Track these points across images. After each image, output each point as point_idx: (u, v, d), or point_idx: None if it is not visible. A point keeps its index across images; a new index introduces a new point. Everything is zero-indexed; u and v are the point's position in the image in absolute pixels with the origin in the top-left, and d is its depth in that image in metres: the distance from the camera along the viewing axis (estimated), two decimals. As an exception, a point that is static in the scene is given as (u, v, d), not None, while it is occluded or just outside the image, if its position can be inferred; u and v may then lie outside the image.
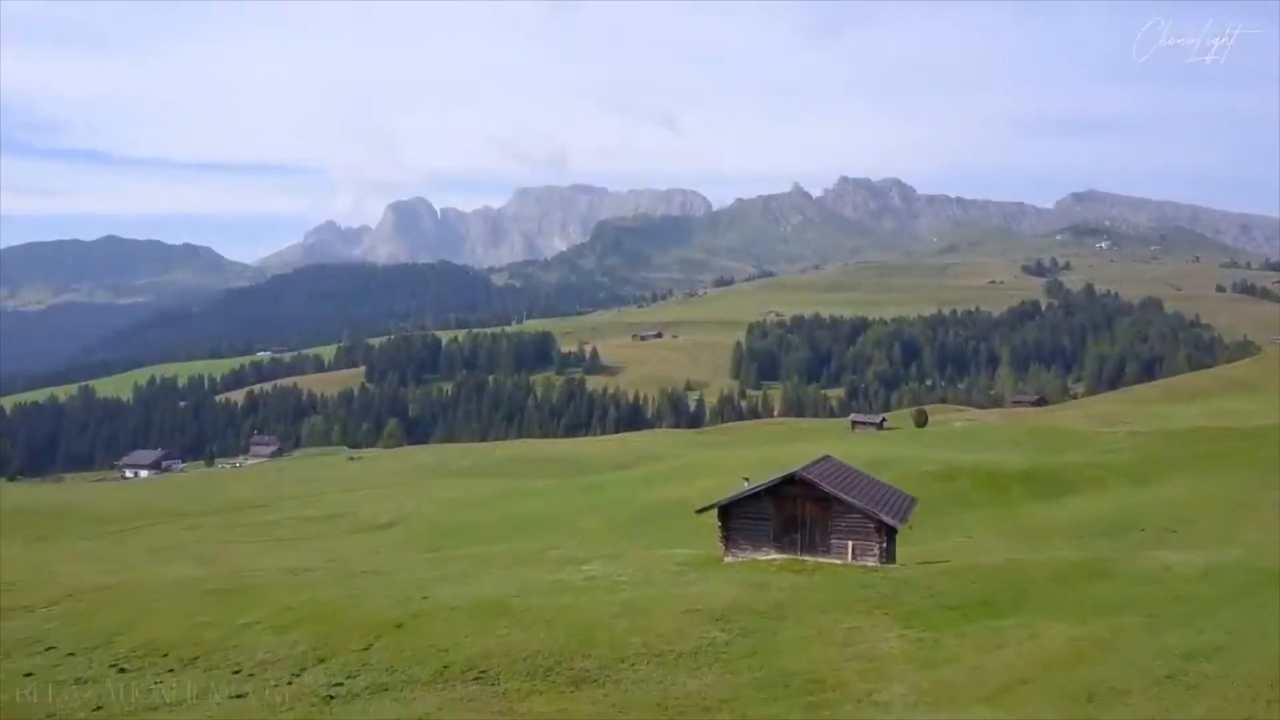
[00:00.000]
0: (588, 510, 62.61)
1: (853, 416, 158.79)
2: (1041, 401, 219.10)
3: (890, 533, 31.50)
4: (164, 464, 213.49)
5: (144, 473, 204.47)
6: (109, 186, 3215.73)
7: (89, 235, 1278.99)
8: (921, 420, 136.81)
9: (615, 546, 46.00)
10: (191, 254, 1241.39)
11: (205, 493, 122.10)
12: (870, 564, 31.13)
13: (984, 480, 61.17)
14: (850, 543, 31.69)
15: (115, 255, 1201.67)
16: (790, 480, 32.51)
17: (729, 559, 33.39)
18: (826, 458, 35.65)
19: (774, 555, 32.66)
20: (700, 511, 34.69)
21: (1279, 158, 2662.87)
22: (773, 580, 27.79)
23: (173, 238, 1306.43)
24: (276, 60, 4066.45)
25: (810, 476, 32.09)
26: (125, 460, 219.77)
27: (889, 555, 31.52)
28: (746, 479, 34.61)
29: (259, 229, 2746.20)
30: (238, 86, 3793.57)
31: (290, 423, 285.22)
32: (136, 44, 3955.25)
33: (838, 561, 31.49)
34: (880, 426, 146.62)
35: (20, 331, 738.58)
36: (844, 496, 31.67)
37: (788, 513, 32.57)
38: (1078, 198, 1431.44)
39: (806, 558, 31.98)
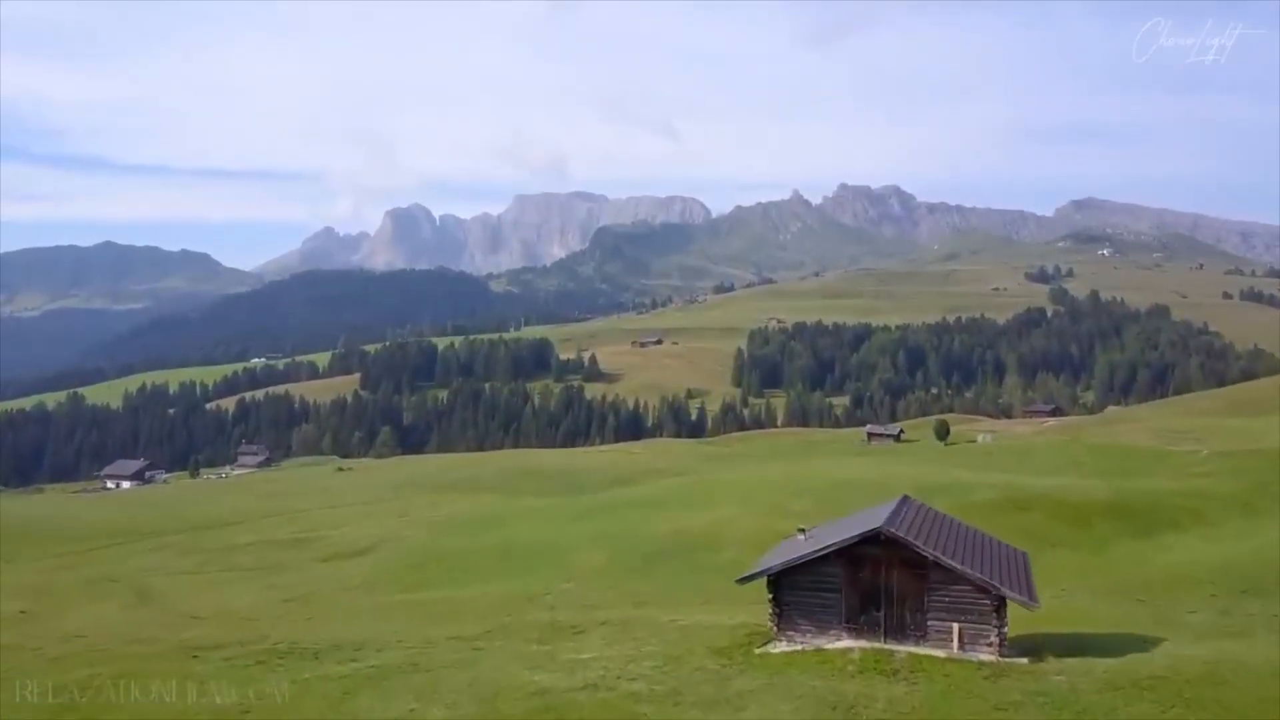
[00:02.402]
0: (587, 542, 53.98)
1: (868, 428, 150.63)
2: (1057, 411, 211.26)
3: (1003, 606, 23.42)
4: (147, 474, 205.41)
5: (126, 484, 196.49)
6: (107, 192, 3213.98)
7: (87, 241, 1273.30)
8: (943, 432, 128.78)
9: (621, 601, 37.85)
10: (189, 260, 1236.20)
11: (180, 508, 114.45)
12: (986, 657, 22.83)
13: (1061, 512, 51.84)
14: (956, 625, 23.39)
15: (113, 261, 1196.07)
16: (874, 538, 23.86)
17: (782, 645, 25.02)
18: (906, 499, 26.88)
19: (848, 642, 24.12)
20: (744, 581, 26.03)
21: (1278, 165, 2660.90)
22: (859, 694, 19.62)
23: (171, 244, 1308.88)
24: (275, 66, 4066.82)
25: (899, 533, 23.62)
26: (107, 471, 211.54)
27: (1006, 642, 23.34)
28: (802, 530, 26.20)
29: (257, 235, 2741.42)
30: (236, 92, 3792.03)
31: (281, 431, 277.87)
32: (135, 50, 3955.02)
33: (939, 653, 23.24)
34: (898, 438, 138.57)
35: (17, 337, 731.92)
36: (948, 561, 23.35)
37: (867, 583, 24.18)
38: (1078, 205, 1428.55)
39: (894, 646, 23.72)
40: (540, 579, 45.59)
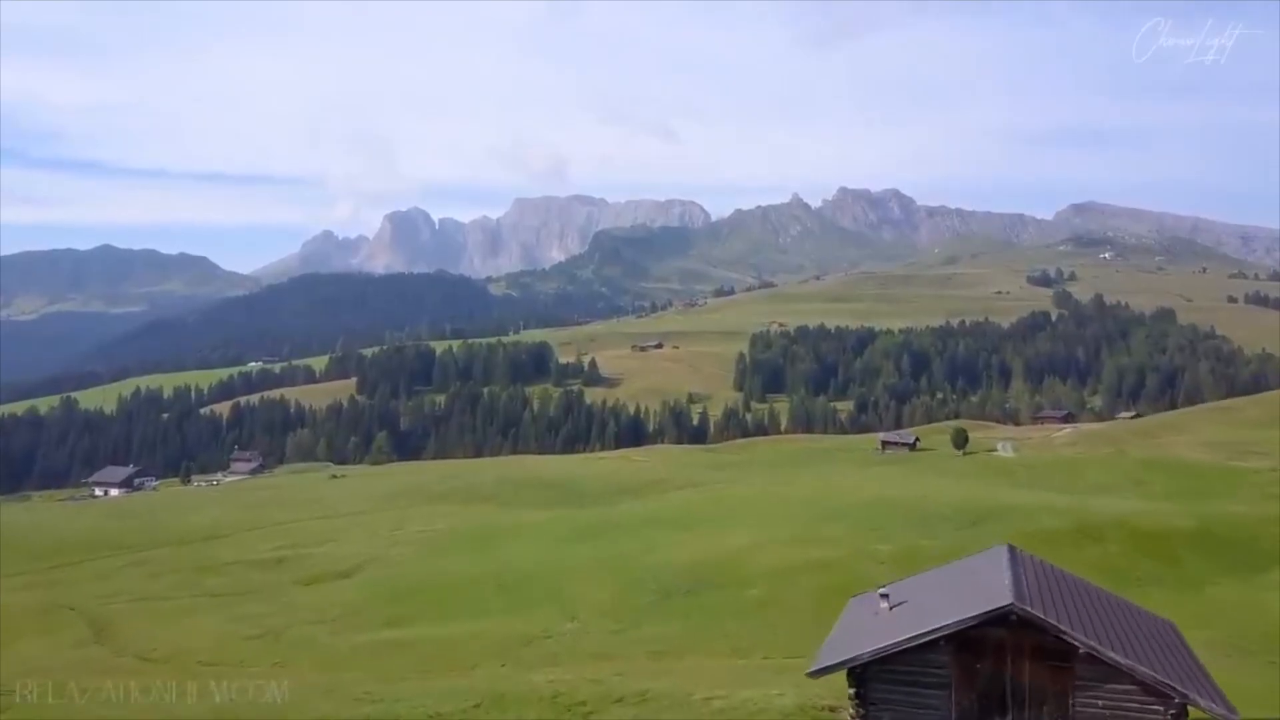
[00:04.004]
0: (592, 570, 48.41)
1: (882, 436, 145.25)
2: (1070, 417, 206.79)
3: (1183, 716, 17.58)
4: (136, 481, 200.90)
5: (114, 491, 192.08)
6: (105, 196, 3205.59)
7: (84, 244, 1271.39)
8: (961, 441, 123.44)
9: (634, 650, 33.09)
10: (187, 263, 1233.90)
11: (163, 518, 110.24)
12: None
13: (1141, 544, 45.03)
14: None
15: (110, 264, 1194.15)
16: (1001, 618, 17.87)
17: None
18: (1014, 552, 20.66)
19: (960, 759, 18.41)
20: (818, 674, 19.54)
21: (1277, 169, 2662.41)
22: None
23: (169, 247, 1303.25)
24: (274, 69, 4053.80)
25: (1036, 611, 17.69)
26: (96, 477, 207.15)
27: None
28: (885, 595, 21.27)
29: (256, 239, 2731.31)
30: (234, 96, 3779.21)
31: (276, 436, 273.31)
32: (134, 53, 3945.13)
33: None
34: (913, 447, 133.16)
35: (14, 341, 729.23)
36: (1109, 654, 17.42)
37: (987, 678, 18.31)
38: (1077, 209, 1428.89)
39: (1028, 769, 17.82)
40: (540, 616, 40.42)
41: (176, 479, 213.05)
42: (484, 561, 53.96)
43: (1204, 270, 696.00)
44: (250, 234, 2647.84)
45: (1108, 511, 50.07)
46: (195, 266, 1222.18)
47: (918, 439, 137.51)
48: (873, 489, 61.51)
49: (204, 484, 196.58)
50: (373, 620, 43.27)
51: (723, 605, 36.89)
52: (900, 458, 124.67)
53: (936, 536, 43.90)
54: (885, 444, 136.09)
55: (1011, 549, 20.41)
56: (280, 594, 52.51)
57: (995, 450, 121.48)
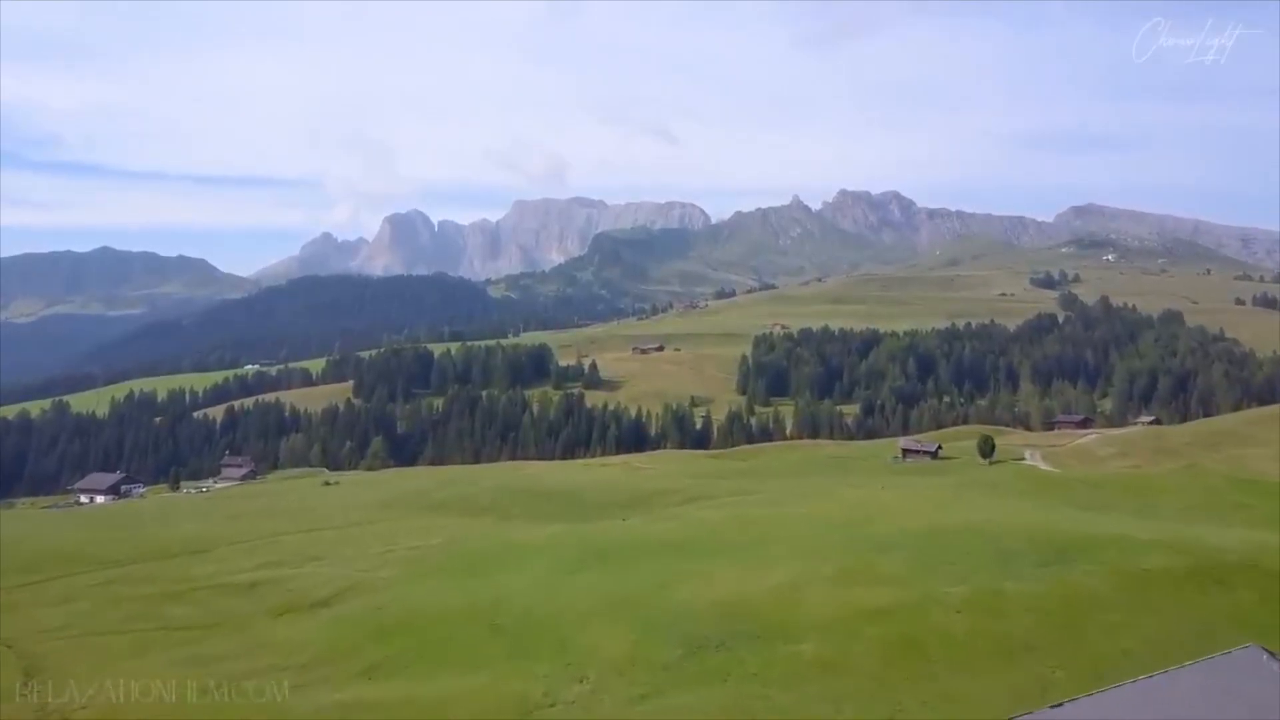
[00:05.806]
0: (599, 609, 41.68)
1: (901, 443, 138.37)
2: (1086, 422, 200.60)
3: None
4: (123, 488, 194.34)
5: (100, 498, 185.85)
6: (104, 198, 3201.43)
7: (83, 247, 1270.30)
8: (987, 449, 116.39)
9: None
10: (186, 265, 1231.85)
11: (144, 529, 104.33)
12: None
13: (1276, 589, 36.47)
14: None
15: (109, 267, 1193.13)
16: None
17: None
18: (1260, 653, 15.16)
19: None
20: None
21: (1277, 171, 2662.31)
22: None
23: (168, 249, 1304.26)
24: (273, 73, 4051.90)
25: None
26: (82, 484, 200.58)
27: None
28: None
29: (255, 241, 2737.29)
30: (234, 99, 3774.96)
31: (270, 441, 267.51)
32: (133, 57, 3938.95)
33: None
34: (935, 455, 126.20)
35: (13, 343, 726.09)
36: None
37: None
38: (1078, 211, 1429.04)
39: None
40: (541, 671, 33.58)
41: (165, 485, 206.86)
42: (478, 591, 47.91)
43: (1208, 272, 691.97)
44: (249, 236, 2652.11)
45: (1226, 546, 41.51)
46: (194, 269, 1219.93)
47: (939, 447, 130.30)
48: (926, 514, 54.09)
49: (193, 491, 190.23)
50: (346, 668, 37.26)
51: (767, 665, 29.98)
52: (924, 467, 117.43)
53: (1019, 576, 37.50)
54: (906, 452, 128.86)
55: (1274, 659, 14.37)
56: (248, 628, 46.67)
57: (1024, 459, 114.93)
